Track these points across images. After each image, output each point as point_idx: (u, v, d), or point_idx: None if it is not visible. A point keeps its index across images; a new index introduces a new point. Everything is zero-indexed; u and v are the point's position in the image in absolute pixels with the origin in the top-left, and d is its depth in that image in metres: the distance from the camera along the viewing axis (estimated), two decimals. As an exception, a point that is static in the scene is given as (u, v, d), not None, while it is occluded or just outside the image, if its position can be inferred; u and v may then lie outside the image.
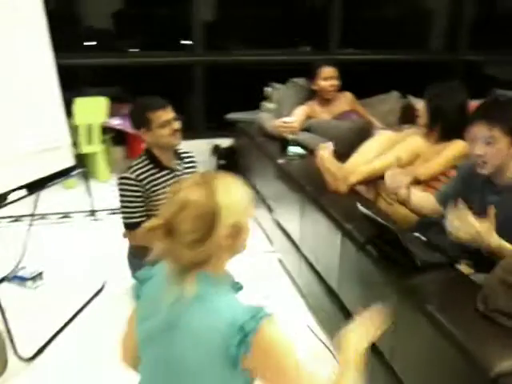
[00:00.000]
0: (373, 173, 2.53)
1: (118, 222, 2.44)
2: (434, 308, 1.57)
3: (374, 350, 1.82)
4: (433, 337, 1.53)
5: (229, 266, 1.22)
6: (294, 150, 3.18)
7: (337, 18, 5.09)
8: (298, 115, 3.51)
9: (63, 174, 2.66)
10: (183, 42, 5.21)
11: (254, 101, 4.34)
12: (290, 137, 3.24)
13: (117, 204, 2.42)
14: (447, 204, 2.06)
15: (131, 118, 2.46)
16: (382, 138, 2.83)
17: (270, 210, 3.37)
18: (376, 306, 1.38)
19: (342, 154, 2.76)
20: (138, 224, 2.34)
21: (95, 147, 4.47)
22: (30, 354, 2.31)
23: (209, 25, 5.00)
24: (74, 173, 2.76)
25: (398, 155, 2.22)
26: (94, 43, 5.32)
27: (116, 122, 4.48)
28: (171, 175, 2.43)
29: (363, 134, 3.12)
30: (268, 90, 4.24)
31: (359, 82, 4.25)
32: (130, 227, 2.37)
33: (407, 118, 3.53)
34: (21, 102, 2.38)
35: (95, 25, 5.31)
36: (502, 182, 1.86)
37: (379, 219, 1.87)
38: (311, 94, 3.71)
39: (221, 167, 4.61)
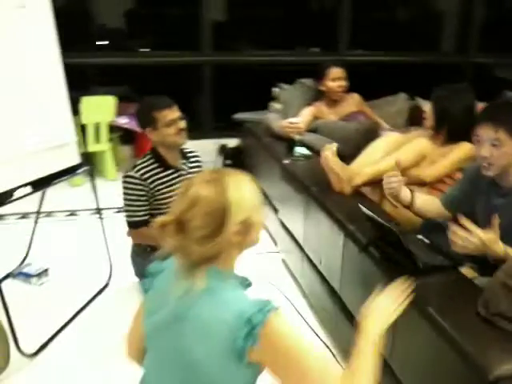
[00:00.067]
0: (378, 174, 2.51)
1: (123, 220, 2.46)
2: (435, 310, 1.56)
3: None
4: (432, 339, 1.52)
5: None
6: (299, 150, 3.18)
7: (346, 19, 5.09)
8: (304, 116, 3.51)
9: (69, 171, 2.67)
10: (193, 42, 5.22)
11: (262, 101, 4.34)
12: (297, 137, 3.24)
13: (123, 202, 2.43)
14: (453, 206, 2.06)
15: (137, 117, 2.47)
16: (388, 139, 2.82)
17: (275, 210, 3.36)
18: (397, 281, 1.37)
19: (349, 156, 2.76)
20: (141, 223, 2.35)
21: (103, 146, 4.49)
22: (33, 350, 2.33)
23: (218, 25, 5.01)
24: (79, 171, 2.77)
25: (397, 159, 2.21)
26: (107, 42, 5.35)
27: (124, 121, 4.50)
28: (176, 174, 2.44)
29: (370, 135, 3.11)
30: (275, 90, 4.24)
31: (367, 84, 4.24)
32: (133, 226, 2.38)
33: (415, 119, 3.52)
34: (27, 100, 2.39)
35: (108, 24, 5.35)
36: (508, 185, 1.84)
37: (381, 220, 1.86)
38: (318, 95, 3.70)
39: (227, 167, 4.61)
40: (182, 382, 1.17)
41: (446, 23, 6.05)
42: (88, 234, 3.41)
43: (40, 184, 2.48)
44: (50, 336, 2.43)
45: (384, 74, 5.46)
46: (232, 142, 4.79)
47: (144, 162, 2.39)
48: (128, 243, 2.55)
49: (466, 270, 1.88)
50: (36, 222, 3.10)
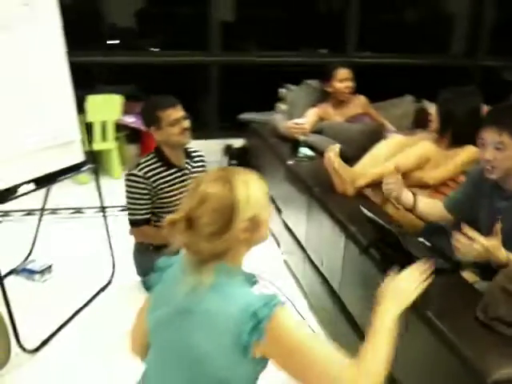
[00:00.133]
0: (380, 176, 2.49)
1: (127, 218, 2.46)
2: (434, 314, 1.55)
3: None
4: (431, 343, 1.52)
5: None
6: (304, 151, 3.18)
7: (354, 21, 5.08)
8: (309, 117, 3.50)
9: (73, 169, 2.69)
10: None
11: (268, 102, 4.34)
12: (301, 138, 3.24)
13: (127, 201, 2.44)
14: (456, 209, 2.05)
15: (142, 116, 2.48)
16: (392, 141, 2.81)
17: (278, 211, 3.36)
18: (416, 264, 1.37)
19: (353, 157, 2.75)
20: (142, 221, 2.36)
21: (109, 144, 4.51)
22: (34, 346, 2.34)
23: (227, 25, 5.01)
24: (84, 169, 2.79)
25: (397, 163, 2.21)
26: (117, 42, 5.38)
27: (130, 120, 4.52)
28: (180, 174, 2.44)
29: (374, 136, 3.10)
30: (282, 91, 4.24)
31: (374, 85, 4.23)
32: (134, 224, 2.39)
33: (421, 122, 3.50)
34: (31, 97, 2.40)
35: (118, 23, 5.37)
36: (511, 188, 1.83)
37: (381, 222, 1.86)
38: (324, 96, 3.69)
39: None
40: (186, 377, 1.18)
41: (456, 25, 6.02)
42: (92, 232, 3.42)
43: (44, 181, 2.49)
44: (51, 332, 2.44)
45: (391, 75, 5.44)
46: (238, 143, 4.79)
47: (147, 161, 2.39)
48: (131, 242, 2.56)
49: (468, 274, 1.86)
50: (40, 219, 3.12)
